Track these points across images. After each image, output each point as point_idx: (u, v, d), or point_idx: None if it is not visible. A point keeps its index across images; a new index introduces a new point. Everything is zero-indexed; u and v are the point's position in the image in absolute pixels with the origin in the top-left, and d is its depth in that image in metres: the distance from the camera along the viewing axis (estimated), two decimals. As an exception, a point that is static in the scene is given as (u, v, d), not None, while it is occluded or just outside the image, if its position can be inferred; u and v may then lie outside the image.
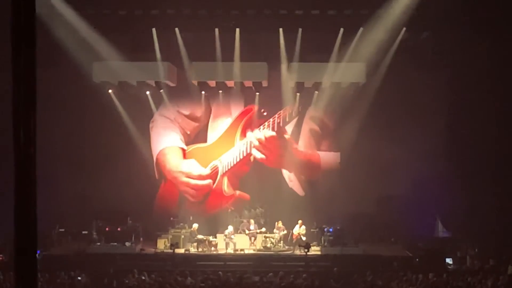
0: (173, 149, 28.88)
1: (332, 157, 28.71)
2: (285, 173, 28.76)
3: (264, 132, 27.98)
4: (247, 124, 28.58)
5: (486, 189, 26.25)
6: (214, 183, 28.53)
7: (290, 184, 28.74)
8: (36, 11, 5.63)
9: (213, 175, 28.57)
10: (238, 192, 28.44)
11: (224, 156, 28.60)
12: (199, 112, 29.09)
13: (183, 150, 28.94)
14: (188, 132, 29.14)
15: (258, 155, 28.12)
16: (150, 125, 29.03)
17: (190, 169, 28.41)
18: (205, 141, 29.19)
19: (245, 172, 28.73)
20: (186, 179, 28.41)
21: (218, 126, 29.07)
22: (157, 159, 28.81)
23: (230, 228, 25.64)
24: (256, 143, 27.98)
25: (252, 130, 28.30)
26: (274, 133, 27.85)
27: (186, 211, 28.05)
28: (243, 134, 28.52)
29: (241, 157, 28.37)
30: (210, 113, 29.08)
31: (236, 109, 28.89)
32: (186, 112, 29.09)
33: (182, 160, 28.72)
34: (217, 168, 28.57)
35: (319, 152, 28.87)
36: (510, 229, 24.80)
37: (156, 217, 28.13)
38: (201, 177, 28.42)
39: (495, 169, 26.44)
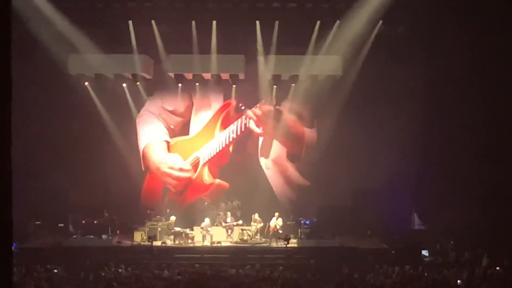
0: (158, 142, 29.33)
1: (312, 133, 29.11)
2: (262, 161, 29.04)
3: (260, 107, 28.53)
4: (226, 117, 29.18)
5: (461, 182, 26.36)
6: (195, 172, 29.02)
7: (267, 172, 29.06)
8: (12, 4, 5.61)
9: (195, 166, 29.15)
10: (217, 180, 28.90)
11: (205, 147, 29.17)
12: (182, 107, 29.54)
13: (168, 143, 29.43)
14: (172, 126, 29.64)
15: (256, 129, 28.69)
16: (137, 121, 29.34)
17: (173, 162, 28.92)
18: (188, 133, 29.65)
19: (224, 162, 29.24)
20: (169, 170, 28.88)
21: (200, 120, 29.60)
22: (143, 152, 29.20)
23: (207, 221, 25.69)
24: (254, 117, 28.51)
25: (230, 124, 28.91)
26: (271, 107, 28.39)
27: (169, 202, 28.48)
28: (223, 127, 29.14)
29: (221, 148, 28.90)
30: (192, 107, 29.46)
31: (216, 102, 29.41)
32: (170, 108, 29.53)
33: (167, 153, 29.24)
34: (198, 158, 29.11)
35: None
36: (485, 222, 24.94)
37: (139, 211, 28.13)
38: (182, 170, 28.89)
39: (471, 163, 26.53)
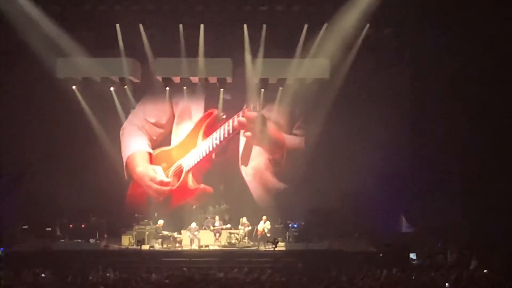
0: (140, 153, 29.47)
1: (297, 140, 29.30)
2: (243, 168, 29.22)
3: (244, 113, 28.86)
4: (208, 126, 29.38)
5: (450, 185, 26.42)
6: (178, 181, 29.17)
7: (247, 179, 29.18)
8: (-1, 8, 5.62)
9: (178, 173, 29.32)
10: (202, 185, 29.10)
11: (188, 156, 29.31)
12: (164, 119, 29.72)
13: (150, 154, 29.56)
14: (154, 138, 29.81)
15: (245, 133, 29.11)
16: (120, 132, 29.45)
17: (154, 175, 29.12)
18: (169, 144, 29.80)
19: (207, 168, 29.43)
20: (149, 183, 29.09)
21: (181, 131, 29.77)
22: (126, 162, 29.25)
23: (193, 225, 25.70)
24: (238, 124, 28.93)
25: (212, 132, 29.18)
26: (254, 113, 28.66)
27: (154, 207, 28.36)
28: (205, 135, 29.28)
29: (204, 155, 29.10)
30: (173, 119, 29.66)
31: (197, 112, 29.55)
32: (153, 120, 29.68)
33: (149, 164, 29.34)
34: (181, 166, 29.29)
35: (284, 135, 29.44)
36: (473, 224, 25.00)
37: (126, 214, 28.08)
38: (162, 183, 29.11)
39: (458, 165, 26.59)
